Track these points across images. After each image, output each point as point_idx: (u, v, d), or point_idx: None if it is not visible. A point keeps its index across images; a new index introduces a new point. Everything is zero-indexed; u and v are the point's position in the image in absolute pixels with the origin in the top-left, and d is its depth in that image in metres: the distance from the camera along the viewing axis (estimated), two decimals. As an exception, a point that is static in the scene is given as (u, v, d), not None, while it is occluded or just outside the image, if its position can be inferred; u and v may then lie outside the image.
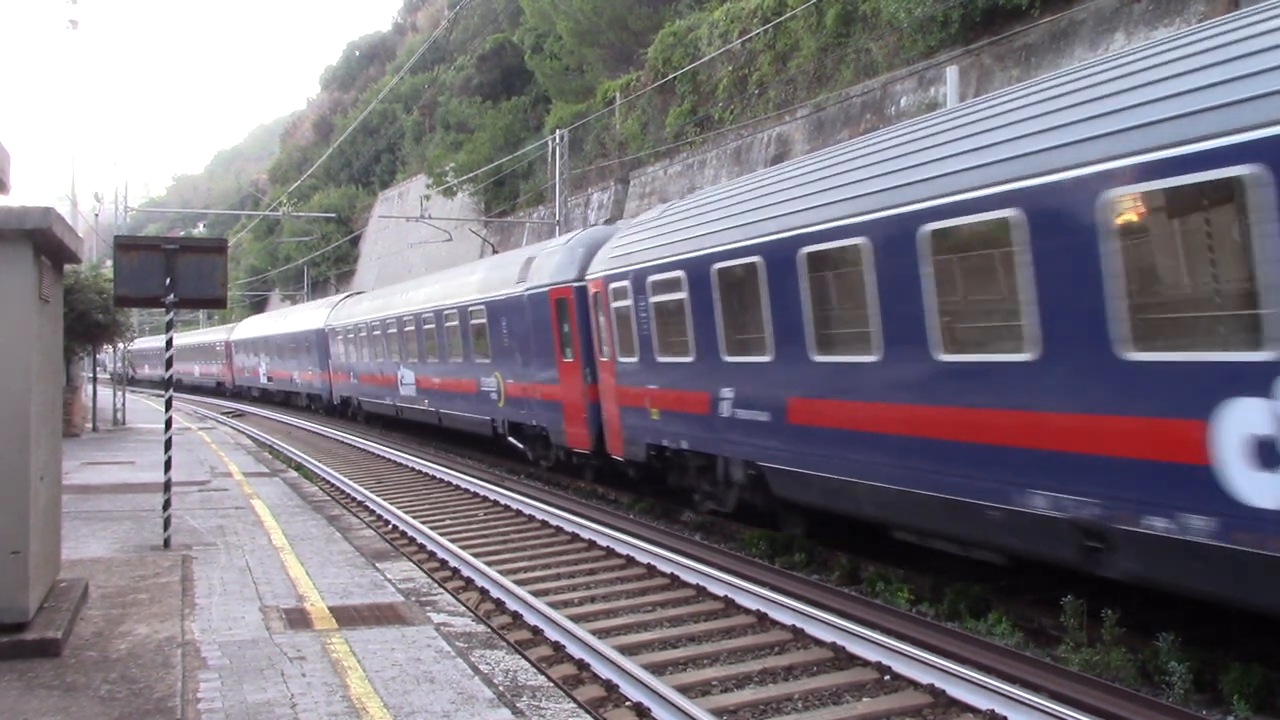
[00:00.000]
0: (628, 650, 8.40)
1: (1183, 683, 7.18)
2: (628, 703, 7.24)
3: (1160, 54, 7.19)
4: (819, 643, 8.42)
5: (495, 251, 35.60)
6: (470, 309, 22.12)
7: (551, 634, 8.86)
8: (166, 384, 11.37)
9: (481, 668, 6.55)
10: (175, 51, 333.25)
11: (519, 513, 15.33)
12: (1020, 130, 7.97)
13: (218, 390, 59.22)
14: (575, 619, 9.25)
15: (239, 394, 54.76)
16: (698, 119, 29.39)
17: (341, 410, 35.99)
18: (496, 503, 16.35)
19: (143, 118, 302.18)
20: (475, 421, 22.61)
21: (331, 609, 8.02)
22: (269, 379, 46.80)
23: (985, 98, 9.39)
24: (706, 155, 28.17)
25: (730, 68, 27.95)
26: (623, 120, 33.99)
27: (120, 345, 33.42)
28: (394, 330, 28.09)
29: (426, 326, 25.38)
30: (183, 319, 69.77)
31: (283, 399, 46.49)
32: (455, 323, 23.19)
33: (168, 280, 10.10)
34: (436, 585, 9.43)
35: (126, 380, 65.96)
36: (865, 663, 7.89)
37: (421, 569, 10.38)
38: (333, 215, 58.29)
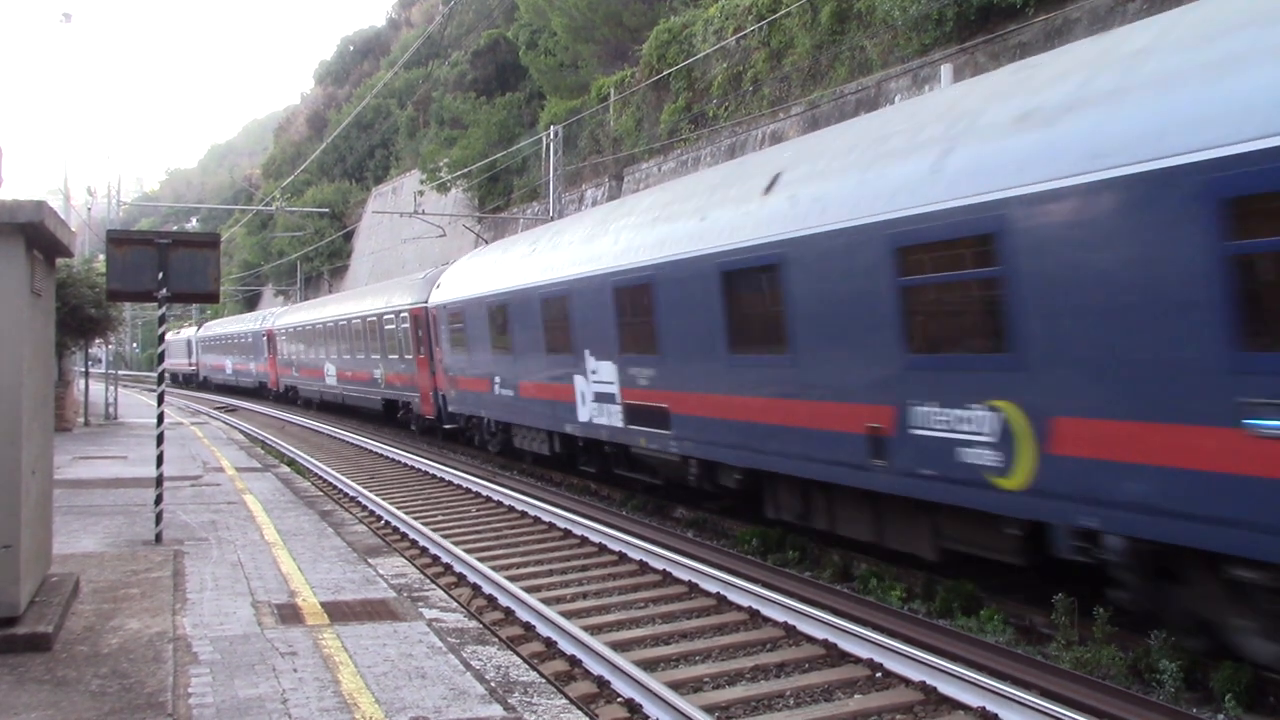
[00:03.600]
0: (619, 647, 8.41)
1: (1174, 681, 7.20)
2: (619, 699, 7.25)
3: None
4: (811, 640, 8.44)
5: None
6: None
7: (543, 630, 8.87)
8: (159, 379, 11.33)
9: (473, 664, 6.55)
10: (169, 45, 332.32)
11: (511, 509, 15.33)
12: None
13: (390, 416, 29.81)
14: (567, 615, 9.26)
15: (470, 441, 23.12)
16: (692, 116, 29.37)
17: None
18: (489, 499, 16.34)
19: (136, 112, 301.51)
20: None
21: (323, 604, 8.02)
22: (613, 411, 14.55)
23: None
24: (701, 152, 28.16)
25: (725, 65, 27.93)
26: (617, 117, 33.96)
27: (112, 341, 33.26)
28: None
29: None
30: (175, 314, 69.29)
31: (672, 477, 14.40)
32: None
33: (160, 275, 10.08)
34: (429, 581, 9.42)
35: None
36: (857, 660, 7.91)
37: (414, 565, 10.37)
38: (326, 210, 58.13)
